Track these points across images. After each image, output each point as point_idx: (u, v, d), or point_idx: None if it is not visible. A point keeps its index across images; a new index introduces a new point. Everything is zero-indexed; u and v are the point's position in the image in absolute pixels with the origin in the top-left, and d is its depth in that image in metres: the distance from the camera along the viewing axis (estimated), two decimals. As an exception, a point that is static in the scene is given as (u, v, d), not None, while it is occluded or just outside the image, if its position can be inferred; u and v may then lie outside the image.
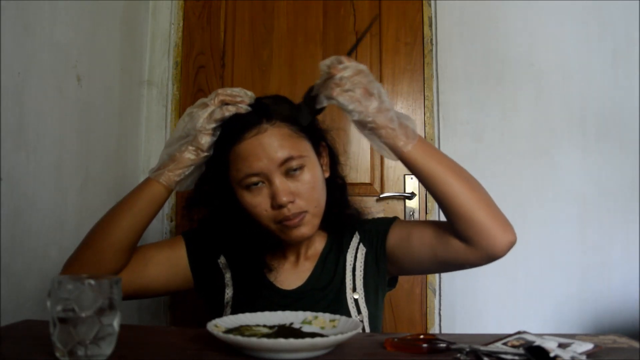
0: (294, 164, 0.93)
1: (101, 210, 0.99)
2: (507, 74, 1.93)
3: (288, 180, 0.93)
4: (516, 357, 0.67)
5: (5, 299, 1.14)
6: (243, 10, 2.04)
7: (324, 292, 1.01)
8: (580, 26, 1.92)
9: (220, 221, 1.02)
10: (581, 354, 0.69)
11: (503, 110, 1.92)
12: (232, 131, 0.93)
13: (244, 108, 0.93)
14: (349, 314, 0.98)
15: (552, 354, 0.66)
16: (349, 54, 0.91)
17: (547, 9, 1.93)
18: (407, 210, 1.93)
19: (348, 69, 0.85)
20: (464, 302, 1.87)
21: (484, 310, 1.86)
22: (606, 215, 1.85)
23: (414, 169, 0.89)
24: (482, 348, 0.69)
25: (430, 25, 1.98)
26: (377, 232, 1.04)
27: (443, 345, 0.71)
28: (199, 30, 2.05)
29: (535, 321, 1.81)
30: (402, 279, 1.18)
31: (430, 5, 1.98)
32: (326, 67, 0.86)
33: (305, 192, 0.94)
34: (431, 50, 1.97)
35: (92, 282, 0.64)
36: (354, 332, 0.71)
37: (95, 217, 0.98)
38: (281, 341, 0.65)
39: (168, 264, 1.02)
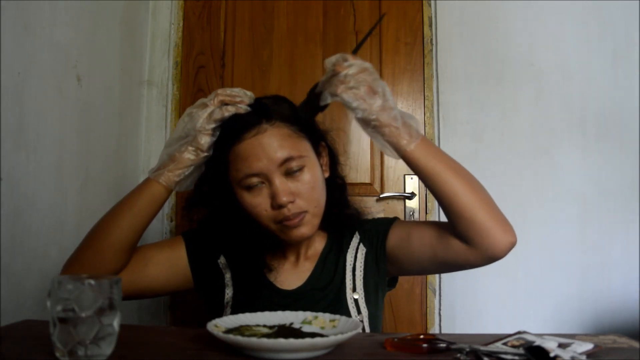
0: (294, 164, 0.93)
1: (101, 210, 0.99)
2: (507, 74, 1.93)
3: (288, 181, 0.93)
4: (516, 357, 0.67)
5: (5, 299, 1.14)
6: (243, 10, 2.04)
7: (324, 292, 1.01)
8: (580, 26, 1.92)
9: (220, 221, 1.02)
10: (581, 354, 0.69)
11: (503, 110, 1.92)
12: (232, 131, 0.93)
13: (243, 108, 0.93)
14: (349, 314, 0.98)
15: (552, 354, 0.66)
16: (355, 52, 0.91)
17: (547, 9, 1.93)
18: (407, 210, 1.93)
19: (353, 67, 0.85)
20: (464, 302, 1.87)
21: (484, 310, 1.86)
22: (606, 215, 1.85)
23: (416, 168, 0.89)
24: (482, 348, 0.69)
25: (430, 25, 1.98)
26: (377, 232, 1.04)
27: (443, 345, 0.71)
28: (199, 30, 2.05)
29: (535, 321, 1.81)
30: (402, 279, 1.18)
31: (430, 5, 1.98)
32: (331, 65, 0.87)
33: (305, 192, 0.94)
34: (431, 50, 1.97)
35: (92, 282, 0.64)
36: (354, 332, 0.71)
37: (95, 217, 0.98)
38: (281, 341, 0.65)
39: (168, 264, 1.02)
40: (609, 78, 1.89)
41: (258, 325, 0.81)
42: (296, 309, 0.87)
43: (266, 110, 0.94)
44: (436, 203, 1.76)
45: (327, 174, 1.02)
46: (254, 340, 0.66)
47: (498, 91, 1.92)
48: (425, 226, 0.98)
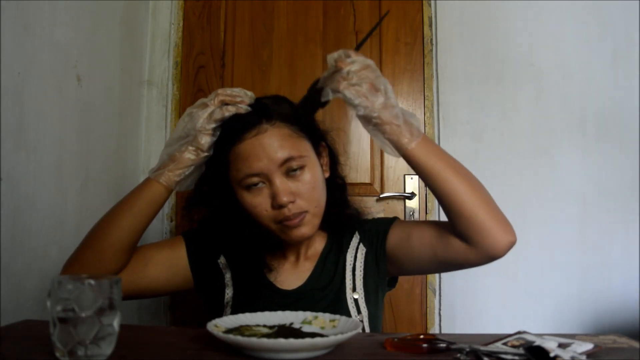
0: (294, 164, 0.93)
1: (101, 210, 0.99)
2: (507, 74, 1.93)
3: (288, 181, 0.93)
4: (516, 357, 0.67)
5: (5, 299, 1.14)
6: (243, 10, 2.04)
7: (324, 292, 1.01)
8: (580, 26, 1.92)
9: (220, 221, 1.02)
10: (581, 354, 0.69)
11: (503, 110, 1.92)
12: (232, 131, 0.93)
13: (244, 108, 0.93)
14: (349, 314, 0.98)
15: (552, 354, 0.66)
16: (357, 48, 0.90)
17: (547, 9, 1.93)
18: (407, 210, 1.93)
19: (355, 63, 0.85)
20: (464, 302, 1.87)
21: (484, 310, 1.86)
22: (606, 215, 1.85)
23: (416, 167, 0.89)
24: (482, 348, 0.69)
25: (430, 25, 1.98)
26: (377, 232, 1.04)
27: (443, 345, 0.71)
28: (199, 30, 2.05)
29: (535, 321, 1.81)
30: (402, 279, 1.18)
31: (430, 5, 1.98)
32: (333, 60, 0.87)
33: (305, 192, 0.93)
34: (431, 50, 1.97)
35: (92, 282, 0.64)
36: (354, 332, 0.71)
37: (95, 217, 0.98)
38: (281, 341, 0.65)
39: (168, 264, 1.02)
40: (609, 78, 1.89)
41: (258, 325, 0.81)
42: (296, 309, 0.87)
43: (267, 110, 0.94)
44: (436, 203, 1.76)
45: (327, 174, 1.02)
46: (254, 340, 0.66)
47: (498, 91, 1.92)
48: (425, 225, 0.98)
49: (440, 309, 1.88)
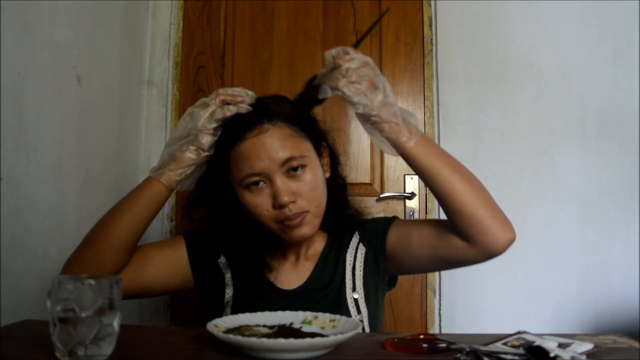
0: (296, 163, 0.93)
1: (101, 210, 0.99)
2: (507, 74, 1.93)
3: (289, 180, 0.93)
4: (516, 357, 0.67)
5: (5, 299, 1.14)
6: (243, 10, 2.04)
7: (324, 292, 1.01)
8: (580, 26, 1.92)
9: (221, 221, 1.02)
10: (581, 354, 0.69)
11: (503, 110, 1.92)
12: (233, 131, 0.93)
13: (245, 108, 0.93)
14: (349, 314, 0.98)
15: (552, 354, 0.66)
16: (356, 45, 0.90)
17: (547, 9, 1.93)
18: (407, 210, 1.93)
19: (355, 61, 0.85)
20: (464, 302, 1.87)
21: (484, 310, 1.86)
22: (606, 215, 1.85)
23: (415, 166, 0.89)
24: (482, 348, 0.69)
25: (430, 25, 1.98)
26: (376, 231, 1.04)
27: (443, 345, 0.71)
28: (199, 30, 2.05)
29: (535, 321, 1.81)
30: (402, 278, 1.18)
31: (430, 5, 1.98)
32: (331, 57, 0.86)
33: (306, 192, 0.93)
34: (431, 50, 1.97)
35: (92, 282, 0.64)
36: (354, 332, 0.71)
37: (95, 217, 0.98)
38: (281, 341, 0.65)
39: (168, 264, 1.02)
40: (609, 78, 1.89)
41: (258, 325, 0.81)
42: (296, 309, 0.87)
43: (268, 110, 0.94)
44: (436, 203, 1.75)
45: (328, 174, 1.02)
46: (254, 340, 0.66)
47: (498, 91, 1.92)
48: (425, 224, 0.98)
49: (440, 309, 1.88)
